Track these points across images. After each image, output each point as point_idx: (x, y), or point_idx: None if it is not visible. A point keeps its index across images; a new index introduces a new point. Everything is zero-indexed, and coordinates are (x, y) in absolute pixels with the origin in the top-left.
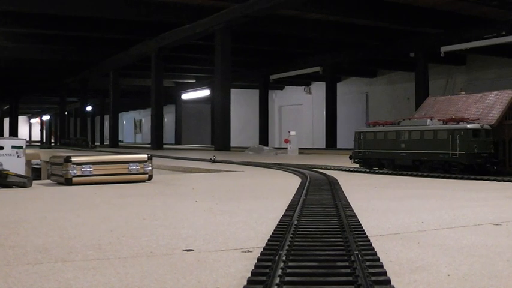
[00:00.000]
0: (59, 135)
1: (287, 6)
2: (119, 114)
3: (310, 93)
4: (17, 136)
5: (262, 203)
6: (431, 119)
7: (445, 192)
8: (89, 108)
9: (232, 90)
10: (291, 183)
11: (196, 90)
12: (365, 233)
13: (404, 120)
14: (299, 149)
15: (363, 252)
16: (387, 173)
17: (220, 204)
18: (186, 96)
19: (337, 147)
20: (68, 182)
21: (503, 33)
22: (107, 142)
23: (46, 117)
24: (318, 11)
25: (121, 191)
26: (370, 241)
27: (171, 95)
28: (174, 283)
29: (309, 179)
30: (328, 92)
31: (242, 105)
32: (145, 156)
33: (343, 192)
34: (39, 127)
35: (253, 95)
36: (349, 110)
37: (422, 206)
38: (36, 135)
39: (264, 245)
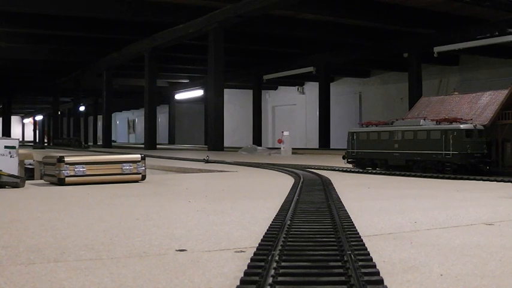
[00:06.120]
0: (52, 135)
1: (280, 7)
2: (112, 114)
3: (303, 93)
4: (10, 136)
5: (256, 203)
6: (424, 119)
7: (438, 192)
8: (82, 108)
9: (225, 90)
10: (284, 183)
11: (189, 90)
12: (358, 233)
13: (398, 121)
14: (292, 149)
15: (356, 252)
16: (380, 173)
17: (214, 204)
18: (180, 96)
19: (331, 147)
20: (61, 182)
21: (496, 33)
22: (100, 142)
23: (39, 117)
24: (311, 12)
25: (114, 191)
26: (363, 241)
27: (165, 95)
28: (167, 283)
29: (302, 179)
30: (322, 92)
31: (235, 105)
32: (139, 156)
33: (336, 193)
34: (32, 127)
35: (247, 95)
36: (342, 110)
37: (416, 206)
38: (29, 135)
39: (257, 245)
